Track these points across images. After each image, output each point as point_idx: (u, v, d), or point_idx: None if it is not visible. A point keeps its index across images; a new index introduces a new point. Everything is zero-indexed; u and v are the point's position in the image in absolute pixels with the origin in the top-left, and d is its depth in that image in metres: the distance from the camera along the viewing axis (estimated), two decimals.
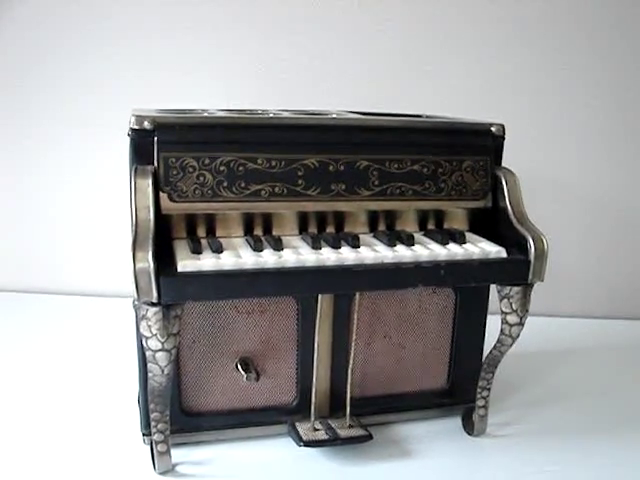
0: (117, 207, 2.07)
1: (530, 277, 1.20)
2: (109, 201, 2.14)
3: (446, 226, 1.31)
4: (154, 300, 1.02)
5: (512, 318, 1.24)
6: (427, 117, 1.52)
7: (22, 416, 1.40)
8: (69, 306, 2.13)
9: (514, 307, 1.23)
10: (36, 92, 2.08)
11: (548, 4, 2.02)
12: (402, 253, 1.15)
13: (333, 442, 1.26)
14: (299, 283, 1.09)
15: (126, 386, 1.52)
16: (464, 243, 1.22)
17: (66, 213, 2.19)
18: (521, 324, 1.25)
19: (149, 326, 1.04)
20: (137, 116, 1.13)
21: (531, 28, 2.03)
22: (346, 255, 1.12)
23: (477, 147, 1.30)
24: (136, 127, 1.13)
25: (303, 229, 1.22)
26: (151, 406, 1.16)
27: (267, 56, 2.04)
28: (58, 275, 2.24)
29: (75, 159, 2.14)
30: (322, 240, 1.16)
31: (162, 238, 1.11)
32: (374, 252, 1.14)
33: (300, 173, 1.18)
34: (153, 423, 1.17)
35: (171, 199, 1.13)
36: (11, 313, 2.05)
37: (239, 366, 1.27)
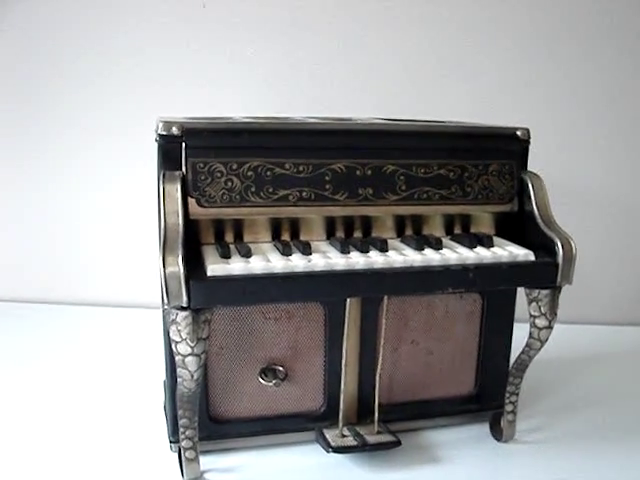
0: (141, 217, 2.08)
1: (559, 280, 1.19)
2: (132, 211, 2.15)
3: (473, 230, 1.30)
4: (184, 304, 1.01)
5: (541, 321, 1.23)
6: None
7: (50, 425, 1.40)
8: (93, 317, 2.13)
9: (543, 310, 1.22)
10: (60, 100, 2.10)
11: (571, 9, 2.02)
12: (431, 257, 1.15)
13: (361, 448, 1.26)
14: (329, 287, 1.08)
15: (151, 395, 1.51)
16: (492, 247, 1.22)
17: (90, 222, 2.20)
18: (550, 327, 1.24)
19: (179, 330, 1.04)
20: (165, 122, 1.14)
21: (549, 33, 2.04)
22: (375, 259, 1.11)
23: (503, 151, 1.30)
24: (164, 133, 1.13)
25: (331, 234, 1.22)
26: (180, 412, 1.16)
27: (287, 65, 2.05)
28: (80, 286, 2.25)
29: (99, 167, 2.15)
30: (350, 244, 1.16)
31: (190, 244, 1.11)
32: (403, 256, 1.14)
33: (327, 178, 1.18)
34: (182, 429, 1.17)
35: (199, 204, 1.13)
36: (37, 324, 2.05)
37: (261, 378, 1.27)
